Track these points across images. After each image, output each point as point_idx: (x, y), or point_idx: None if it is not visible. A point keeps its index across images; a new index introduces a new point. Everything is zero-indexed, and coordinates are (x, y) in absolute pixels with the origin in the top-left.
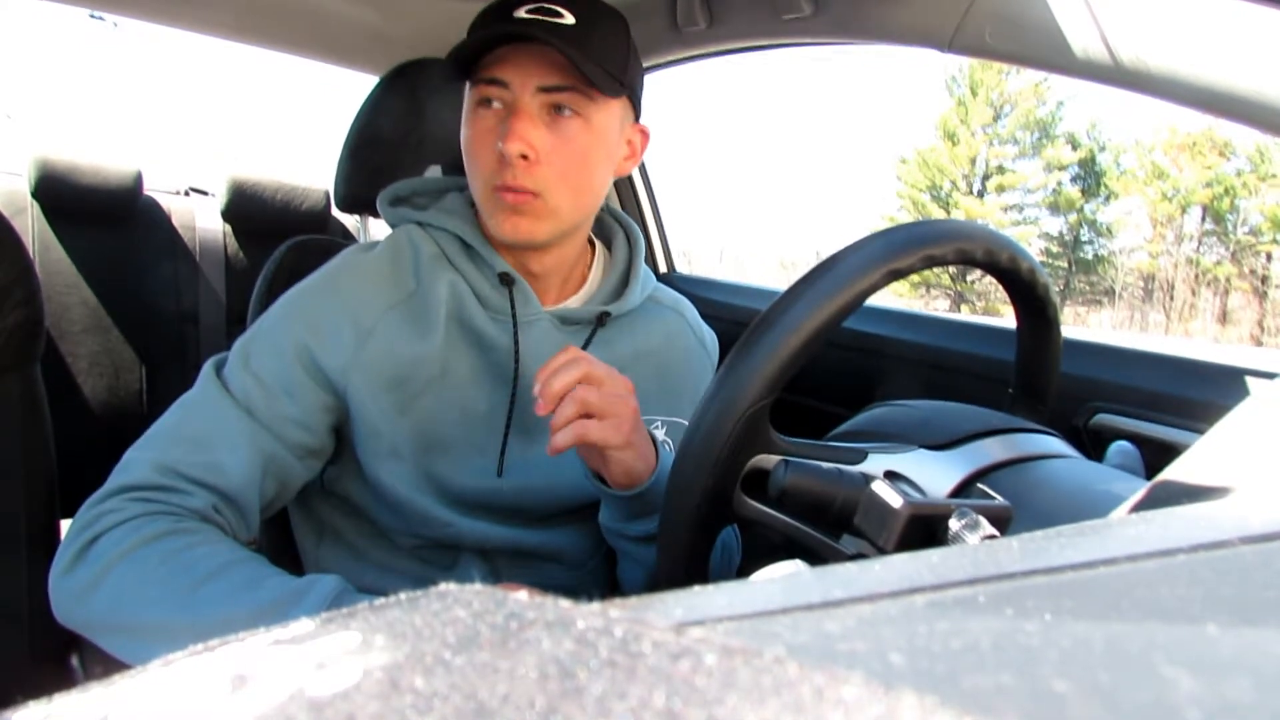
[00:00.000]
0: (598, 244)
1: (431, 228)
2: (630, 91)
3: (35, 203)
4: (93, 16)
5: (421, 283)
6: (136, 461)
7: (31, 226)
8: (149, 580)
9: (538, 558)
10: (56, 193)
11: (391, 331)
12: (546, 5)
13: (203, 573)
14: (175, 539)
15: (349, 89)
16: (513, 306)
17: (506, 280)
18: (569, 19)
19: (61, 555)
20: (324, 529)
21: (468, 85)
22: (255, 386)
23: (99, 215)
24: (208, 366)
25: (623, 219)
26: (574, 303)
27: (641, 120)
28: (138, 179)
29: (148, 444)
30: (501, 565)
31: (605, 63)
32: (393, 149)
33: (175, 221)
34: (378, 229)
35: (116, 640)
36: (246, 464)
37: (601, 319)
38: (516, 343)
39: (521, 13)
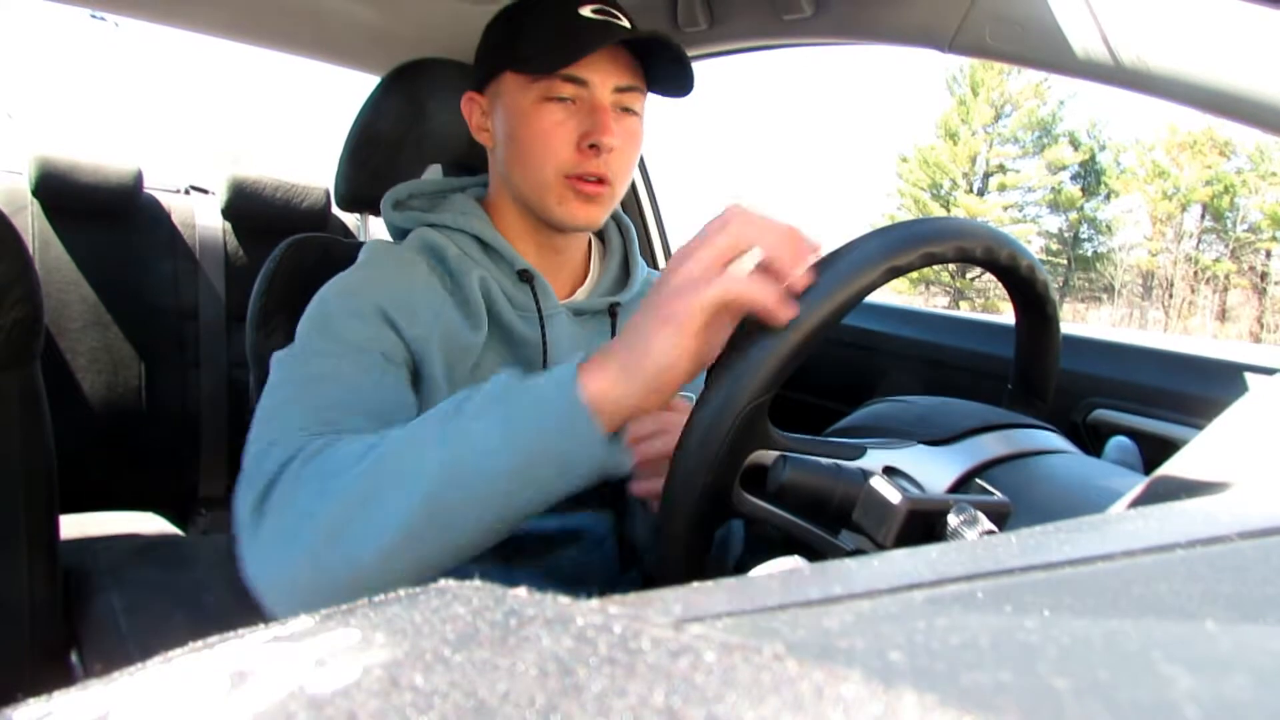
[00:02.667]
0: (591, 236)
1: (447, 229)
2: None
3: (35, 201)
4: (93, 16)
5: (456, 279)
6: (267, 452)
7: (31, 224)
8: (346, 465)
9: (556, 542)
10: (57, 191)
11: (452, 321)
12: (606, 7)
13: (392, 443)
14: (343, 443)
15: (350, 89)
16: (536, 301)
17: (526, 277)
18: (625, 21)
19: (246, 527)
20: None
21: (519, 77)
22: (339, 343)
23: (99, 213)
24: (275, 364)
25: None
26: (581, 295)
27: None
28: (138, 177)
29: (271, 436)
30: (511, 553)
31: (660, 61)
32: (393, 149)
33: (175, 219)
34: (378, 227)
35: (353, 548)
36: (373, 393)
37: (613, 310)
38: (544, 337)
39: (587, 12)
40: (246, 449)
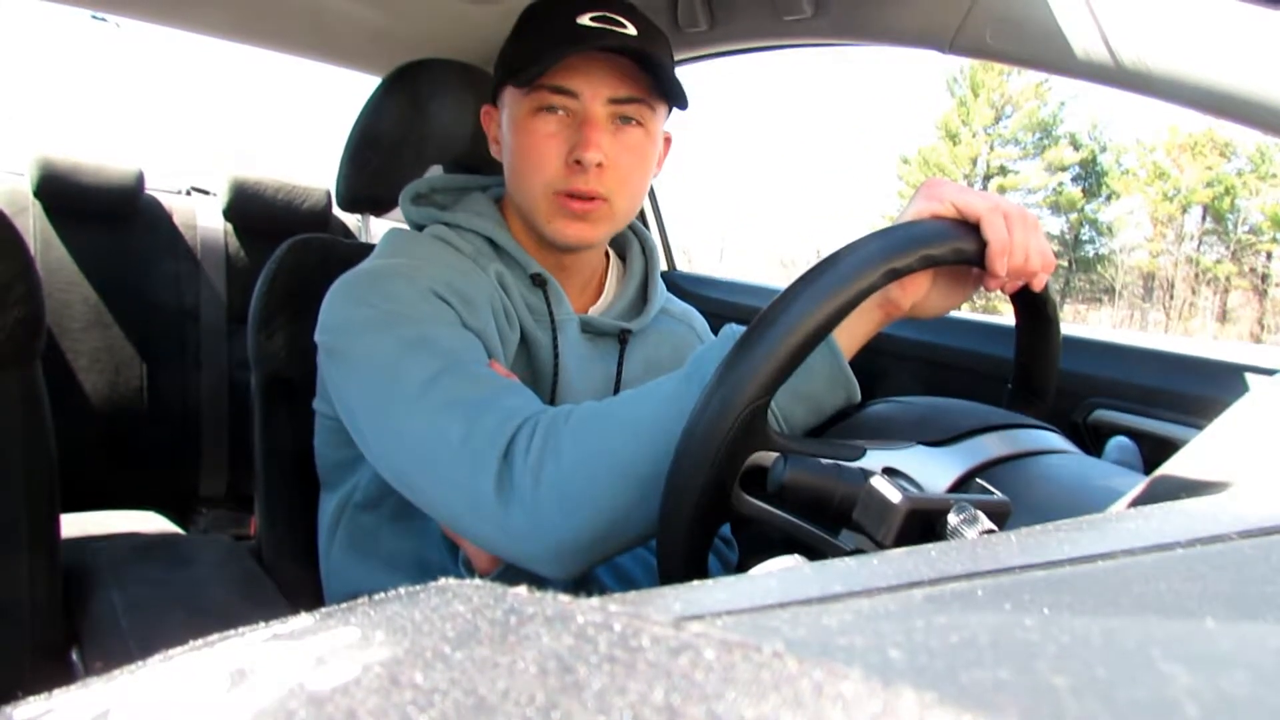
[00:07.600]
0: (611, 253)
1: (461, 229)
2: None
3: (37, 202)
4: (95, 18)
5: (477, 278)
6: (466, 440)
7: (33, 225)
8: (602, 426)
9: None
10: (58, 192)
11: (496, 315)
12: (610, 15)
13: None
14: (570, 413)
15: (351, 90)
16: (549, 306)
17: (539, 281)
18: (631, 29)
19: (490, 504)
20: (358, 535)
21: (515, 89)
22: (433, 321)
23: (100, 214)
24: (364, 374)
25: (639, 229)
26: (595, 312)
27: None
28: (139, 178)
29: (446, 426)
30: None
31: (662, 73)
32: (394, 149)
33: (177, 220)
34: (379, 228)
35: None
36: (481, 355)
37: (624, 336)
38: (556, 343)
39: (586, 20)
40: (404, 451)
